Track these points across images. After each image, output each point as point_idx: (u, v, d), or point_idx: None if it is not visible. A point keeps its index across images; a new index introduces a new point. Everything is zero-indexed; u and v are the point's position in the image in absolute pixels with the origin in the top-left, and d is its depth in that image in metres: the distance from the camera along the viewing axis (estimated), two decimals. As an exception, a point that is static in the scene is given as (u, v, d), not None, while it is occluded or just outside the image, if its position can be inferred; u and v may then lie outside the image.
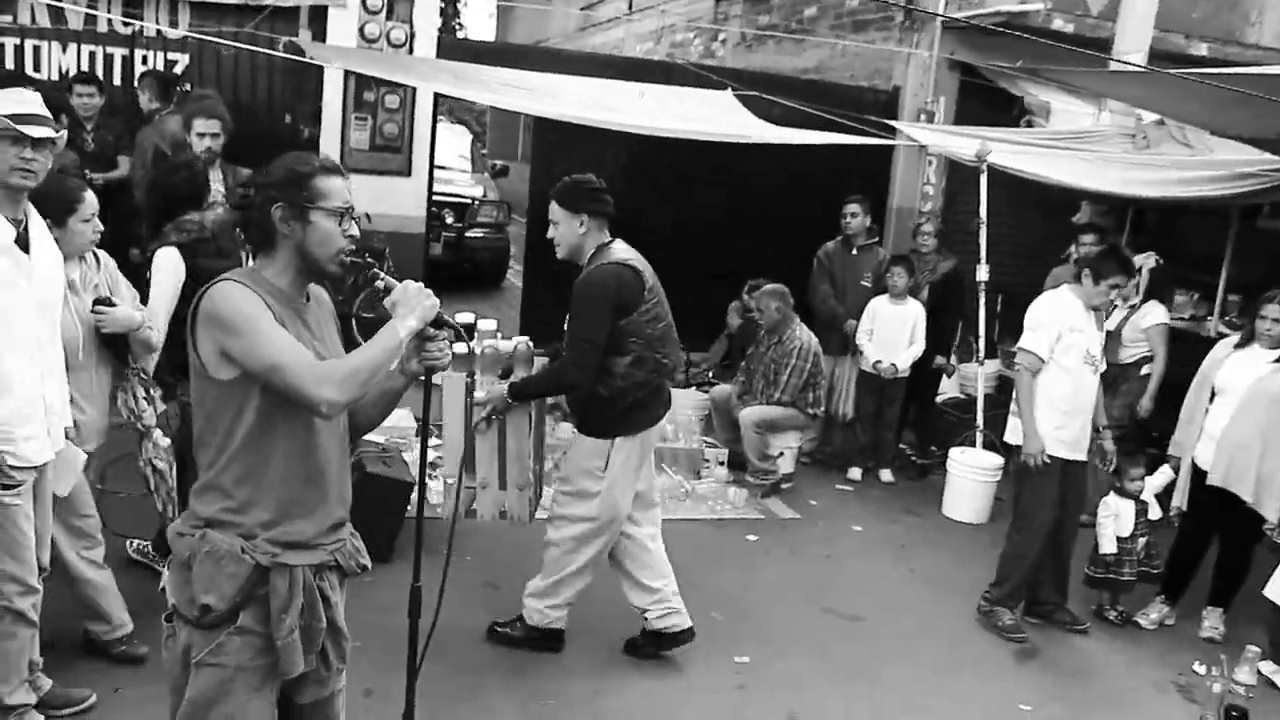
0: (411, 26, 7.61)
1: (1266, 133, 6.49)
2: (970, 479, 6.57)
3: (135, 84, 7.13)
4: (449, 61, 7.41)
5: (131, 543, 4.67)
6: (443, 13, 7.90)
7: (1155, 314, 6.57)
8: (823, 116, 7.66)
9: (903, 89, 9.36)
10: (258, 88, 7.87)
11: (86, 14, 7.29)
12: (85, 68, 7.31)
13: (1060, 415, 4.95)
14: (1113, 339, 6.32)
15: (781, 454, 6.73)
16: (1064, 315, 4.98)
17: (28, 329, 3.18)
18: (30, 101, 3.10)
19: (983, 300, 7.06)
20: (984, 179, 6.99)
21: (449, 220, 11.16)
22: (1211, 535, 5.26)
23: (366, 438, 4.02)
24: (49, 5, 7.06)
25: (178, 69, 7.51)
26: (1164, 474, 5.41)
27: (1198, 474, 5.17)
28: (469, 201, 11.60)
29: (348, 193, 2.41)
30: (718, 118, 7.13)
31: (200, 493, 2.35)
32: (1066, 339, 4.95)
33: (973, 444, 6.81)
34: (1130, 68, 6.92)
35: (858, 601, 5.24)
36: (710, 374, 8.45)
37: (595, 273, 4.04)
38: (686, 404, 7.39)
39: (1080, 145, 7.61)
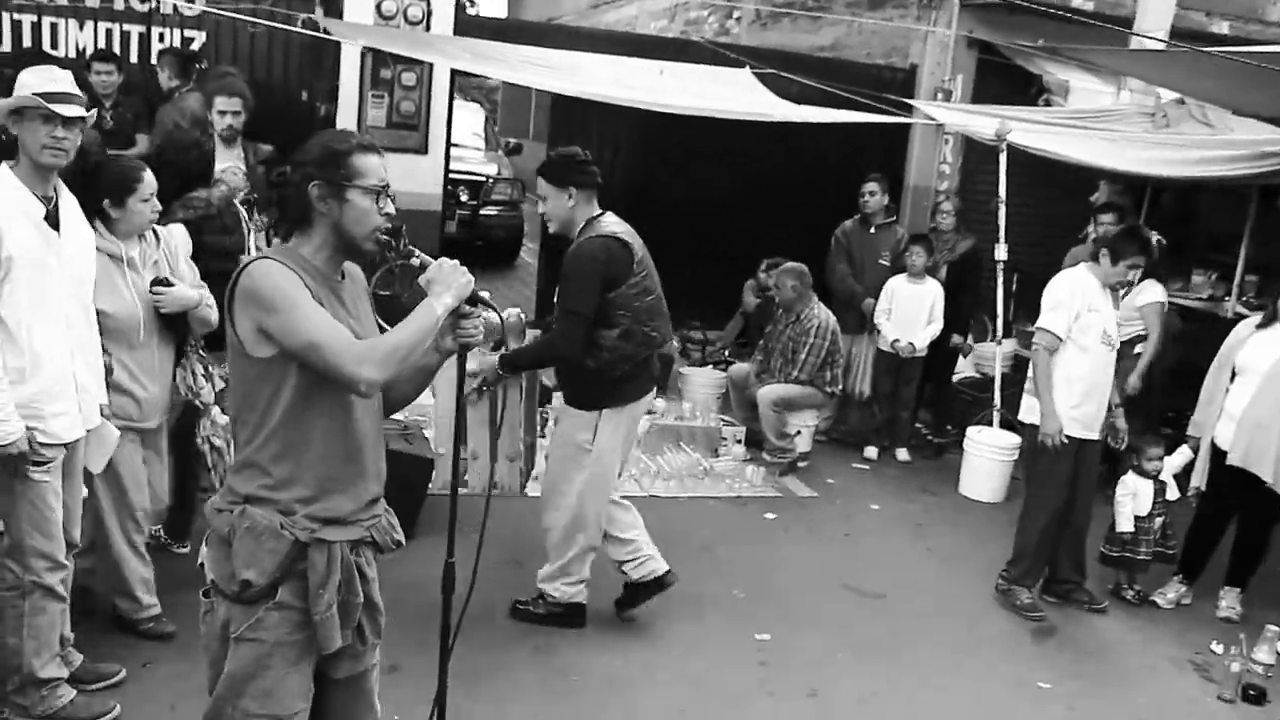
0: (428, 3, 7.57)
1: (1289, 111, 6.46)
2: (987, 458, 6.58)
3: (154, 61, 7.12)
4: (468, 39, 7.39)
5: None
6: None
7: (1151, 292, 6.50)
8: (840, 95, 7.63)
9: (920, 67, 9.31)
10: (274, 65, 7.85)
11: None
12: (102, 45, 7.29)
13: (1078, 394, 4.95)
14: None
15: (799, 432, 6.75)
16: (1082, 294, 4.97)
17: (59, 306, 3.21)
18: (61, 79, 3.12)
19: (1000, 280, 7.04)
20: (1003, 158, 6.95)
21: (463, 198, 11.15)
22: (1230, 515, 5.26)
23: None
24: (66, -18, 7.06)
25: (195, 46, 7.49)
26: (1183, 454, 5.41)
27: (1217, 454, 5.17)
28: (483, 179, 11.59)
29: (383, 171, 2.42)
30: (737, 96, 7.11)
31: (238, 469, 2.38)
32: (1085, 318, 4.95)
33: (989, 423, 6.81)
34: (1152, 45, 6.87)
35: (877, 580, 5.27)
36: (726, 352, 8.47)
37: (585, 245, 4.06)
38: (704, 382, 7.41)
39: (1099, 124, 7.57)
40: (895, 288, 7.10)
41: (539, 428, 4.56)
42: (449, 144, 8.25)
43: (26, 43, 7.20)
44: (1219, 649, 4.76)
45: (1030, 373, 5.09)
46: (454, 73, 7.80)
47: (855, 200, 7.39)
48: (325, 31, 6.66)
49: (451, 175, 8.65)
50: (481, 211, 11.35)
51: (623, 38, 9.69)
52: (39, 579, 3.28)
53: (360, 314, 2.50)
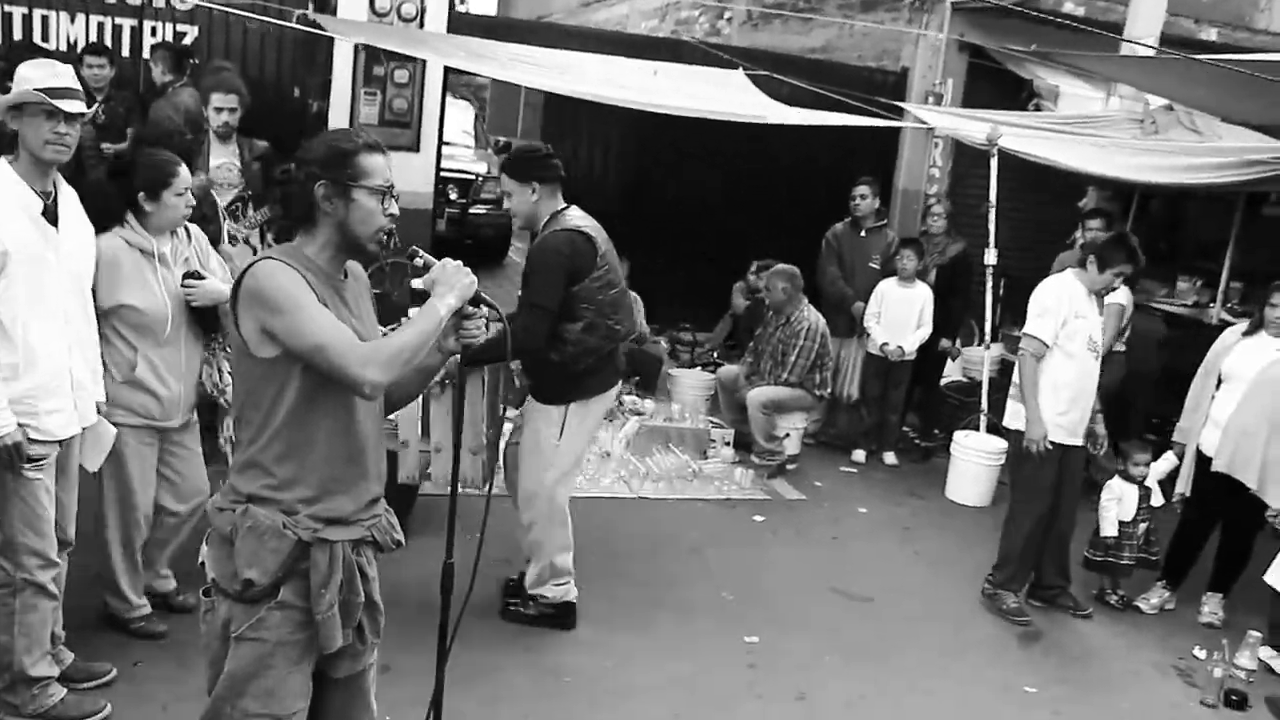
0: (422, 1, 7.57)
1: (1276, 120, 6.51)
2: (974, 462, 6.63)
3: (146, 56, 7.10)
4: (462, 37, 7.39)
5: None
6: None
7: (1116, 295, 6.52)
8: (832, 97, 7.66)
9: (911, 70, 9.36)
10: (266, 60, 7.83)
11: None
12: (94, 38, 7.26)
13: (1064, 401, 4.99)
14: None
15: (788, 435, 6.78)
16: (1069, 301, 5.00)
17: (57, 302, 3.20)
18: (64, 75, 3.11)
19: (990, 284, 7.09)
20: (994, 162, 7.00)
21: (453, 196, 11.12)
22: (1214, 522, 5.32)
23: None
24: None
25: (187, 40, 7.47)
26: (1168, 460, 5.46)
27: (1202, 460, 5.22)
28: (473, 178, 11.58)
29: (388, 171, 2.43)
30: (730, 97, 7.13)
31: (241, 469, 2.38)
32: (1071, 325, 4.98)
33: (976, 427, 6.85)
34: (1142, 51, 6.93)
35: (864, 583, 5.30)
36: (715, 354, 8.50)
37: (549, 239, 4.08)
38: (693, 384, 7.43)
39: (1089, 130, 7.62)
40: (885, 291, 7.14)
41: (502, 422, 4.61)
42: (441, 142, 8.24)
43: (17, 35, 7.16)
44: (1202, 654, 4.81)
45: (1015, 378, 5.12)
46: (447, 70, 7.79)
47: (846, 203, 7.42)
48: (320, 28, 6.64)
49: (441, 173, 8.63)
50: (471, 210, 11.33)
51: (616, 37, 9.71)
52: (30, 576, 3.27)
53: (363, 313, 2.51)
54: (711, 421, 7.05)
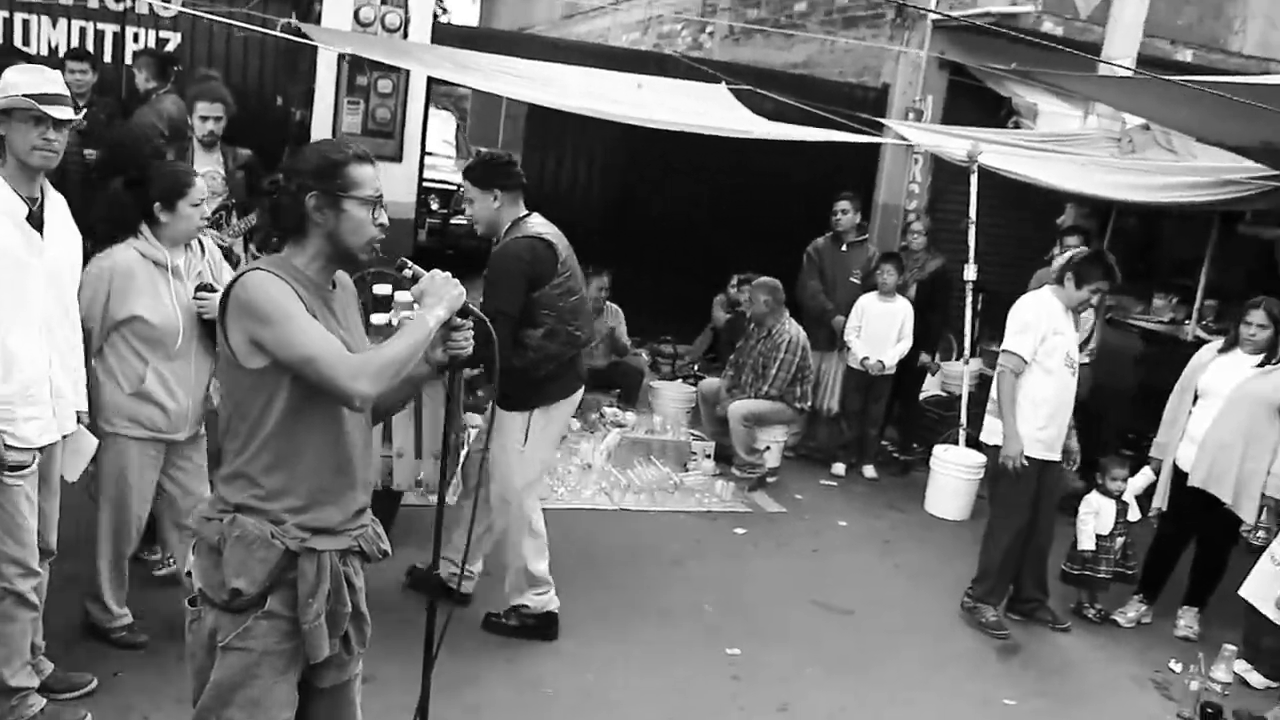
0: (406, 11, 7.58)
1: (1250, 141, 6.61)
2: (953, 476, 6.67)
3: (129, 62, 7.07)
4: (446, 48, 7.40)
5: None
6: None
7: None
8: (814, 112, 7.72)
9: (892, 86, 9.44)
10: (249, 68, 7.82)
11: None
12: (75, 43, 7.24)
13: (1043, 417, 5.03)
14: None
15: (768, 448, 6.80)
16: (1048, 317, 5.05)
17: (39, 308, 3.17)
18: (53, 80, 3.10)
19: (969, 299, 7.15)
20: (974, 179, 7.06)
21: (434, 206, 11.13)
22: (1190, 536, 5.38)
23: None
24: (39, -22, 7.00)
25: (170, 47, 7.45)
26: (1145, 475, 5.52)
27: (1179, 475, 5.28)
28: (455, 188, 11.56)
29: (378, 181, 2.44)
30: (714, 112, 7.17)
31: (229, 480, 2.37)
32: (1050, 341, 5.03)
33: (955, 442, 6.90)
34: (1120, 71, 7.02)
35: (845, 595, 5.32)
36: (695, 366, 8.52)
37: (510, 245, 4.12)
38: (674, 396, 7.45)
39: (1067, 148, 7.71)
40: (866, 305, 7.18)
41: (462, 427, 4.64)
42: (424, 152, 8.25)
43: (-2, 39, 7.13)
44: (1178, 668, 4.86)
45: (994, 394, 5.16)
46: (430, 81, 7.80)
47: (827, 217, 7.47)
48: (305, 37, 6.64)
49: (423, 183, 8.64)
50: (452, 220, 11.33)
51: (601, 51, 9.76)
52: (10, 585, 3.24)
53: (350, 324, 2.51)
54: (692, 434, 7.06)
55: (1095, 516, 5.34)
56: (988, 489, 5.88)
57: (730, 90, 7.80)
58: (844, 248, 7.45)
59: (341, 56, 7.35)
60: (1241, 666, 4.85)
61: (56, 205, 3.27)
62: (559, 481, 6.17)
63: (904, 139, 8.06)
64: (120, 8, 7.35)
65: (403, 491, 4.69)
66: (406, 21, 7.61)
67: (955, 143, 7.46)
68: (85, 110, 6.37)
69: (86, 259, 3.55)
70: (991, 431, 5.14)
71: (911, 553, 6.04)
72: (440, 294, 2.44)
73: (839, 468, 7.32)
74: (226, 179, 5.41)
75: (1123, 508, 5.39)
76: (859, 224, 7.52)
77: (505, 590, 4.42)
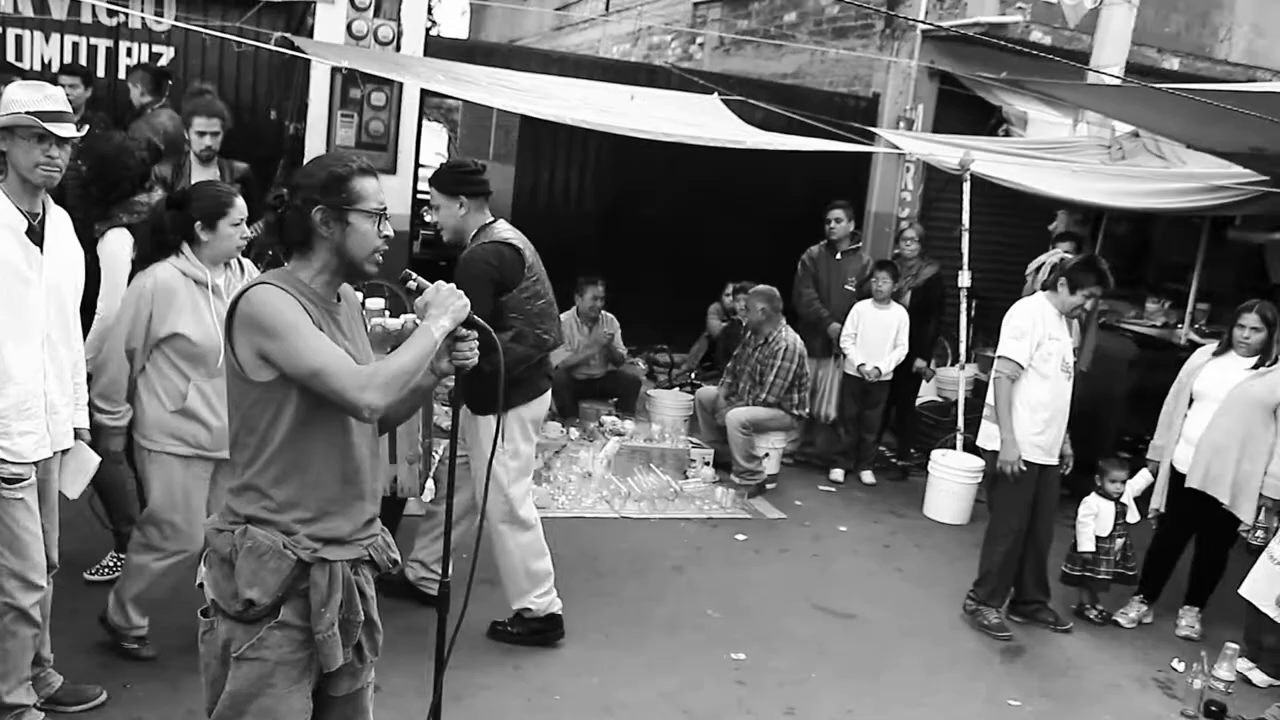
0: (399, 24, 7.60)
1: (1238, 147, 6.66)
2: (952, 480, 6.69)
3: (124, 77, 7.06)
4: (440, 60, 7.42)
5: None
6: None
7: None
8: (805, 122, 7.76)
9: (882, 96, 9.49)
10: (242, 82, 7.82)
11: (70, 3, 7.22)
12: (68, 58, 7.22)
13: (1041, 422, 5.06)
14: None
15: (767, 454, 6.82)
16: (1042, 323, 5.08)
17: (37, 323, 3.15)
18: (55, 98, 3.10)
19: (964, 305, 7.19)
20: (967, 187, 7.11)
21: (427, 218, 11.12)
22: (1188, 536, 5.41)
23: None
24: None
25: (163, 62, 7.45)
26: (1143, 477, 5.56)
27: (1176, 477, 5.31)
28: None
29: (382, 194, 2.46)
30: (706, 122, 7.20)
31: (238, 492, 2.38)
32: (1046, 346, 5.06)
33: (952, 446, 6.93)
34: (1108, 80, 7.08)
35: (848, 600, 5.33)
36: (692, 375, 8.54)
37: (477, 251, 4.15)
38: (672, 404, 7.47)
39: (1057, 155, 7.77)
40: (861, 313, 7.22)
41: (434, 432, 4.67)
42: (417, 164, 8.26)
43: (-9, 55, 7.11)
44: (1181, 667, 4.89)
45: (990, 399, 5.19)
46: (423, 93, 7.81)
47: (821, 226, 7.51)
48: (299, 50, 6.65)
49: (417, 195, 8.65)
50: (445, 232, 11.34)
51: (593, 62, 9.77)
52: (12, 600, 3.20)
53: (355, 336, 2.53)
54: (691, 442, 7.08)
55: (1095, 518, 5.37)
56: (986, 493, 5.90)
57: (722, 100, 7.84)
58: (838, 256, 7.49)
59: (336, 70, 7.36)
60: (1244, 665, 4.87)
61: (58, 220, 3.27)
62: (559, 490, 6.18)
63: (896, 148, 8.10)
64: (113, 22, 7.34)
65: (406, 500, 4.68)
66: (399, 35, 7.63)
67: (947, 151, 7.51)
68: (78, 125, 6.39)
69: (89, 271, 3.55)
70: (989, 436, 5.17)
71: (912, 557, 6.06)
72: (445, 305, 2.45)
73: (837, 473, 7.34)
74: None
75: (1121, 509, 5.42)
76: (852, 232, 7.56)
77: (507, 596, 4.42)
